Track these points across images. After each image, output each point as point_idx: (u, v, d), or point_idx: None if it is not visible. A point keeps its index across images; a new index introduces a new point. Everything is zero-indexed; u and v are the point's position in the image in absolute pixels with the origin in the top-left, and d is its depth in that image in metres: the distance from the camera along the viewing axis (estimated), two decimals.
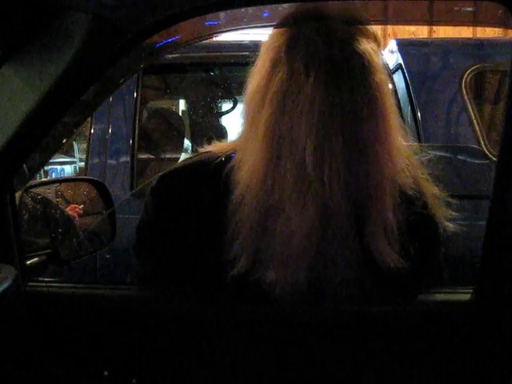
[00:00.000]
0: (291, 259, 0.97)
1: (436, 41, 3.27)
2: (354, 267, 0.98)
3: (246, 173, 1.00)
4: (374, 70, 0.99)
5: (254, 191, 0.98)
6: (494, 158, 2.20)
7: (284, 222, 0.97)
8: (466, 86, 2.39)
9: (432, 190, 1.08)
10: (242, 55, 2.46)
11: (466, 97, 2.38)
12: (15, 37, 0.95)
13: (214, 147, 1.11)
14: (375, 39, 1.03)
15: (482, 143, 2.29)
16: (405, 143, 1.06)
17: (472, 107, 2.37)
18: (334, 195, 0.96)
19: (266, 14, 1.15)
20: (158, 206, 1.10)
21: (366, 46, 1.00)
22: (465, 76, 2.41)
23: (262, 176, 0.98)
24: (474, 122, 2.34)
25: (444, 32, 5.28)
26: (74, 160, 4.69)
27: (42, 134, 1.02)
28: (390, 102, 1.02)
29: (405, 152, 1.05)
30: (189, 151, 3.11)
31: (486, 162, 2.23)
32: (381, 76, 1.00)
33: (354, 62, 0.98)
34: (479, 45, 2.76)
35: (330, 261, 0.98)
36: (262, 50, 1.05)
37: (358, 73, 0.98)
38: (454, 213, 1.09)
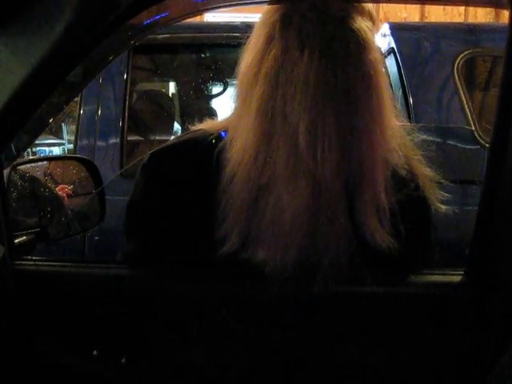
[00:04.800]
0: (281, 238, 0.97)
1: (429, 25, 3.27)
2: (345, 247, 0.98)
3: (238, 150, 0.98)
4: (369, 47, 0.98)
5: (245, 169, 0.97)
6: (483, 142, 2.22)
7: (275, 200, 0.97)
8: (458, 71, 2.39)
9: (424, 171, 1.08)
10: (234, 36, 2.44)
11: (458, 82, 2.38)
12: (2, 9, 0.93)
13: (206, 125, 1.10)
14: (370, 17, 1.02)
15: (473, 128, 2.29)
16: (398, 123, 1.06)
17: (464, 92, 2.36)
18: (326, 174, 0.96)
19: None
20: (148, 184, 1.09)
21: (361, 23, 0.99)
22: (457, 61, 2.40)
23: (253, 153, 0.97)
24: (466, 107, 2.34)
25: (436, 18, 5.29)
26: (63, 142, 4.66)
27: (31, 110, 1.00)
28: (384, 81, 1.01)
29: (398, 132, 1.05)
30: (178, 133, 3.09)
31: (477, 147, 2.24)
32: (375, 54, 0.99)
33: (348, 40, 0.97)
34: (472, 30, 2.76)
35: (321, 240, 0.97)
36: (256, 26, 1.04)
37: (353, 50, 0.97)
38: (446, 194, 1.09)
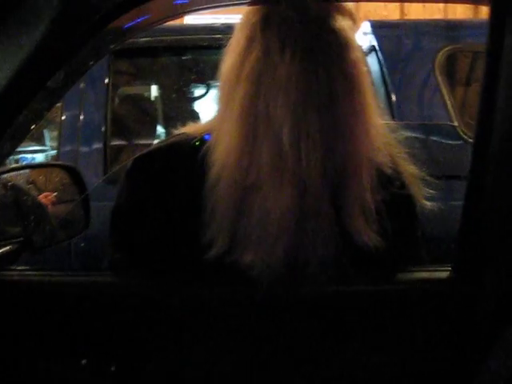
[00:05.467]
0: (268, 239, 0.97)
1: (409, 22, 3.29)
2: (332, 247, 0.98)
3: (222, 153, 0.98)
4: (351, 47, 0.99)
5: (230, 171, 0.97)
6: (466, 137, 2.24)
7: (261, 201, 0.96)
8: (439, 67, 2.40)
9: (409, 169, 1.08)
10: (215, 38, 2.43)
11: (439, 78, 2.39)
12: None
13: (189, 129, 1.09)
14: (351, 16, 1.02)
15: (457, 124, 2.31)
16: (381, 121, 1.06)
17: (445, 88, 2.38)
18: (311, 174, 0.96)
19: None
20: (133, 189, 1.08)
21: (342, 23, 0.99)
22: (438, 57, 2.42)
23: (237, 155, 0.97)
24: (448, 103, 2.35)
25: (415, 15, 5.33)
26: (46, 148, 4.62)
27: (12, 116, 0.99)
28: (367, 80, 1.01)
29: (382, 130, 1.05)
30: (162, 137, 3.07)
31: (461, 142, 2.25)
32: (357, 53, 0.99)
33: (330, 39, 0.97)
34: (452, 26, 2.78)
35: (308, 241, 0.97)
36: (237, 27, 1.03)
37: (334, 50, 0.97)
38: (431, 191, 1.09)
